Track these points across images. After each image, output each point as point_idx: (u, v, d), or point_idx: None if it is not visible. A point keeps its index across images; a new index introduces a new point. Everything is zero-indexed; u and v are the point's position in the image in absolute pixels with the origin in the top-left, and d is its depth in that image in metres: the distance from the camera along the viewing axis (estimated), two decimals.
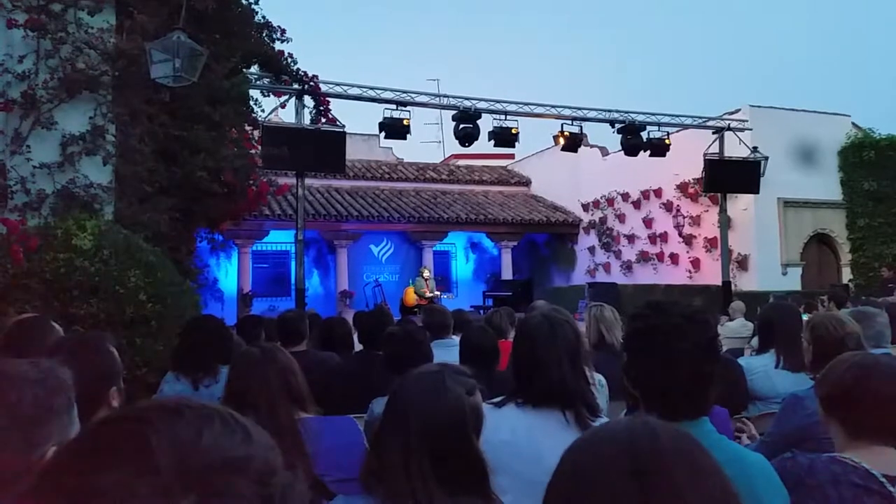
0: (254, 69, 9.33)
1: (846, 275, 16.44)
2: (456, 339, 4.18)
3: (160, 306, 4.88)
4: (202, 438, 0.56)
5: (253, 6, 8.13)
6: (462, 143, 12.31)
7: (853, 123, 16.91)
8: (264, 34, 8.66)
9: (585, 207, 20.80)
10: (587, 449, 0.81)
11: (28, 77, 6.09)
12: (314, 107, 10.75)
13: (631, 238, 19.09)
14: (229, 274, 17.90)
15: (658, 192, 18.10)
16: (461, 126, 12.06)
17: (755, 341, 5.33)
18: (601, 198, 20.08)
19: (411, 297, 15.94)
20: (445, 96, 12.49)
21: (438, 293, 16.19)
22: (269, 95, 10.33)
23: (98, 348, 2.01)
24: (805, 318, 3.80)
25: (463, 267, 21.45)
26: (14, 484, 1.18)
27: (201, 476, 0.53)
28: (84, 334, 2.93)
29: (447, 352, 3.87)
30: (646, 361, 1.70)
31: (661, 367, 1.65)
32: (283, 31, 8.82)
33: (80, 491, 0.53)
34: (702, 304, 4.56)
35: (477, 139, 12.21)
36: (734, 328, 8.36)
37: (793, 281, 15.71)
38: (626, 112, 13.50)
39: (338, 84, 11.34)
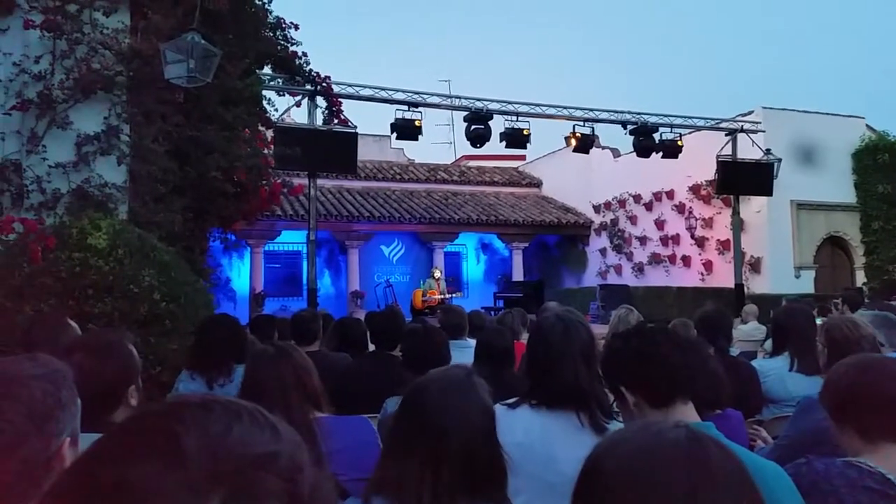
0: (267, 70, 9.36)
1: (860, 278, 16.33)
2: (471, 340, 4.17)
3: (174, 305, 4.89)
4: (231, 434, 0.56)
5: (266, 6, 8.16)
6: (473, 144, 12.31)
7: (867, 126, 16.79)
8: (277, 34, 8.68)
9: (597, 209, 20.75)
10: (641, 464, 0.82)
11: (44, 77, 6.14)
12: (326, 107, 10.78)
13: (643, 240, 19.03)
14: (242, 273, 17.99)
15: (670, 194, 18.04)
16: (472, 127, 12.06)
17: (768, 344, 5.30)
18: (613, 199, 20.03)
19: (418, 299, 15.96)
20: (457, 97, 12.50)
21: (449, 294, 16.20)
22: (283, 95, 10.37)
23: (117, 347, 2.02)
24: (819, 321, 3.77)
25: (474, 268, 21.46)
26: (36, 477, 1.20)
27: (230, 471, 0.54)
28: (103, 332, 2.95)
29: (462, 353, 3.88)
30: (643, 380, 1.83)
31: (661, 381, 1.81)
32: (296, 27, 8.83)
33: (109, 483, 0.53)
34: (714, 306, 4.54)
35: (488, 140, 12.21)
36: (747, 331, 8.31)
37: (806, 284, 15.62)
38: (639, 113, 13.46)
39: (350, 85, 11.37)
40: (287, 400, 2.16)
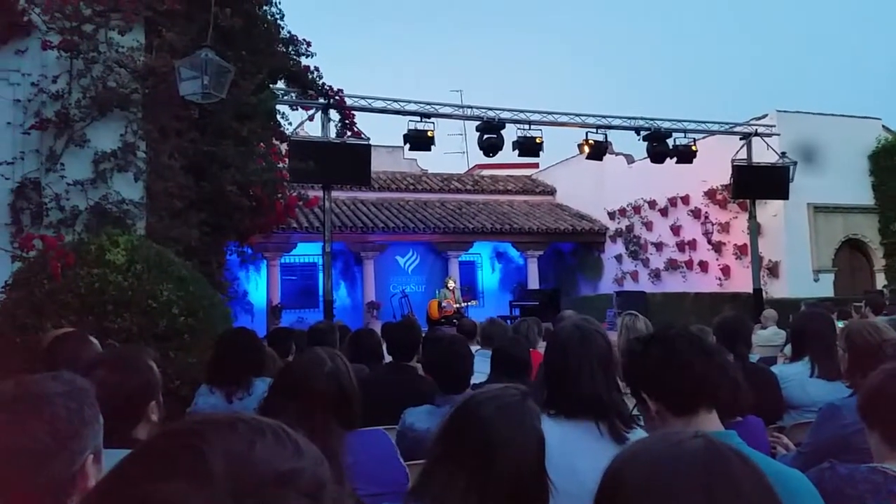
0: (280, 84, 9.43)
1: (880, 280, 16.15)
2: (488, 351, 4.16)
3: (192, 320, 4.92)
4: (255, 451, 0.57)
5: (279, 22, 8.23)
6: (486, 154, 12.34)
7: (884, 127, 16.65)
8: (290, 49, 8.75)
9: (611, 216, 20.70)
10: (660, 474, 0.82)
11: (62, 97, 6.23)
12: (340, 120, 10.86)
13: (659, 246, 18.94)
14: (259, 286, 18.09)
15: (685, 199, 17.95)
16: (485, 136, 12.10)
17: (788, 349, 5.25)
18: (627, 206, 19.97)
19: (434, 310, 15.96)
20: (469, 107, 12.54)
21: (465, 303, 16.20)
22: (297, 109, 10.45)
23: (138, 362, 2.04)
24: (840, 325, 3.74)
25: (489, 277, 21.44)
26: (61, 494, 1.21)
27: (254, 489, 0.55)
28: (124, 348, 2.97)
29: (486, 362, 3.87)
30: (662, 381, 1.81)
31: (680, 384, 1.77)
32: (309, 44, 8.91)
33: (137, 501, 0.54)
34: (733, 312, 4.54)
35: (501, 149, 12.24)
36: (766, 336, 8.24)
37: (825, 287, 15.46)
38: (652, 119, 13.44)
39: (362, 97, 11.45)
40: (326, 414, 2.11)
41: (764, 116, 15.57)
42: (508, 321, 12.53)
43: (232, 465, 0.55)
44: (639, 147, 14.06)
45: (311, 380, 2.15)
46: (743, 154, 14.53)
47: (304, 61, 9.06)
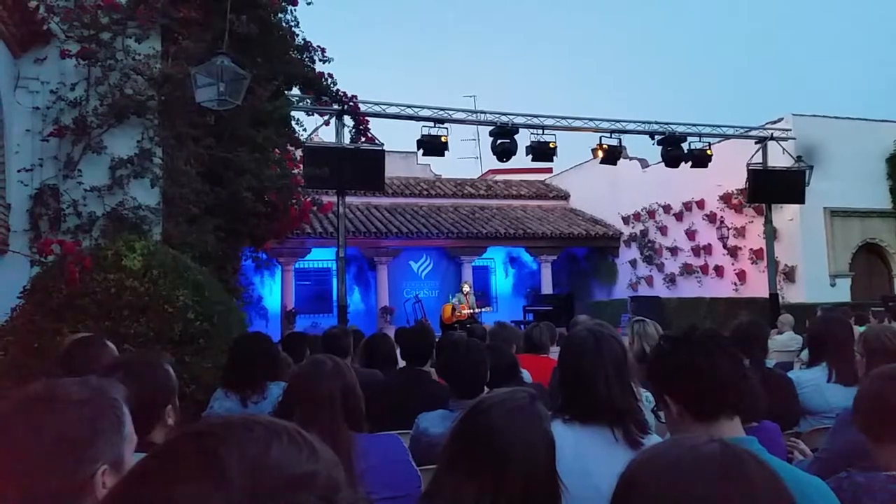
0: (295, 90, 9.48)
1: None
2: None
3: (208, 324, 4.94)
4: (271, 454, 0.58)
5: (294, 28, 8.27)
6: (500, 159, 12.35)
7: None
8: (304, 56, 8.79)
9: (626, 220, 20.62)
10: (676, 479, 0.82)
11: (79, 104, 6.30)
12: (354, 126, 10.91)
13: (674, 251, 18.84)
14: (273, 291, 18.18)
15: (701, 204, 17.86)
16: (499, 141, 12.11)
17: (804, 354, 5.21)
18: (642, 210, 19.89)
19: (448, 314, 15.95)
20: (482, 112, 12.56)
21: (479, 309, 16.17)
22: (311, 115, 10.50)
23: (155, 367, 2.06)
24: (860, 329, 3.71)
25: (503, 282, 21.41)
26: (61, 502, 1.19)
27: (271, 491, 0.55)
28: (141, 353, 3.00)
29: None
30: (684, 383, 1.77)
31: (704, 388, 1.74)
32: (324, 51, 8.95)
33: (153, 502, 0.55)
34: (749, 317, 4.50)
35: (515, 154, 12.24)
36: (783, 341, 8.18)
37: (842, 292, 15.32)
38: (666, 123, 13.39)
39: (376, 103, 11.50)
40: (333, 415, 2.15)
41: (779, 120, 15.47)
42: (522, 326, 12.50)
43: (248, 468, 0.56)
44: (653, 151, 14.02)
45: (316, 380, 2.20)
46: (758, 158, 14.44)
47: (320, 67, 9.10)
